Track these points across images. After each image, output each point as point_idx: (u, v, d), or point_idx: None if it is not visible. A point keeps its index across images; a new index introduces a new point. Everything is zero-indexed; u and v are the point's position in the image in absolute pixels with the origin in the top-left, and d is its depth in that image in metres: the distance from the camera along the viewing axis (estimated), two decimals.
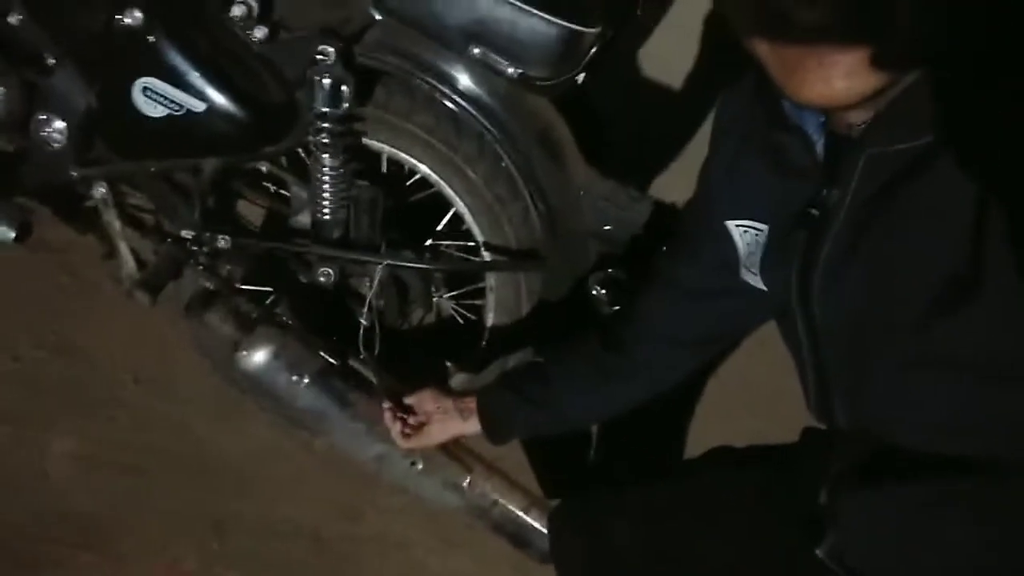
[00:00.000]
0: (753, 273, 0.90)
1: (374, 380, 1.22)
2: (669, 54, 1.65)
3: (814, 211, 0.78)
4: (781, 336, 0.93)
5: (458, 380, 1.42)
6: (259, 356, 1.17)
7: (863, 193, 0.73)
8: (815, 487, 0.89)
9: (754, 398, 1.59)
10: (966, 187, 0.65)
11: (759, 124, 0.82)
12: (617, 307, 1.20)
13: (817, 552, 0.87)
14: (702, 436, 1.60)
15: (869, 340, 0.79)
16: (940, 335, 0.72)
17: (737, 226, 0.89)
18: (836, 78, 0.65)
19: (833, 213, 0.76)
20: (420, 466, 1.20)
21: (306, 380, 1.18)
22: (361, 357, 1.23)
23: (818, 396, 0.87)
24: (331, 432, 1.21)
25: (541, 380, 1.09)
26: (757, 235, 0.87)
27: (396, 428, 1.16)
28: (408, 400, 1.18)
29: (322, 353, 1.20)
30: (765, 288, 0.89)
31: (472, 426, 1.13)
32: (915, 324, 0.73)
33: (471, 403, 1.13)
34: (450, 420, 1.15)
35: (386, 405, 1.17)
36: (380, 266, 1.27)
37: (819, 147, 0.77)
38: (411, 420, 1.16)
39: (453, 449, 1.23)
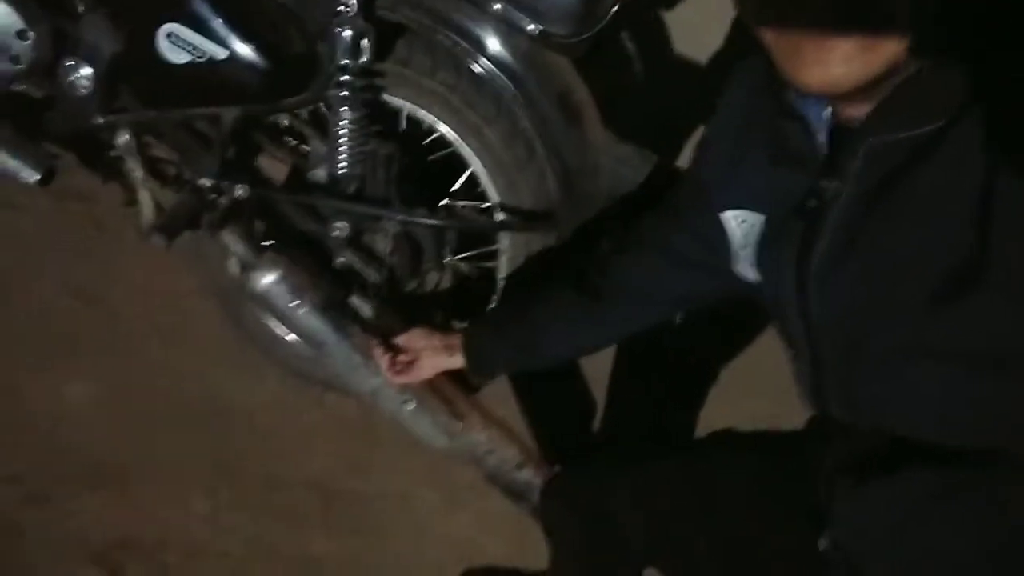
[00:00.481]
0: (747, 264, 0.90)
1: (371, 317, 1.25)
2: (693, 19, 1.64)
3: (813, 202, 0.77)
4: (774, 325, 0.93)
5: None
6: (266, 277, 1.20)
7: (863, 184, 0.73)
8: (815, 476, 0.89)
9: (765, 380, 1.59)
10: (969, 176, 0.65)
11: (764, 112, 0.82)
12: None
13: (819, 543, 0.88)
14: (712, 417, 1.60)
15: (866, 331, 0.78)
16: (939, 325, 0.72)
17: (734, 216, 0.89)
18: (834, 63, 0.66)
19: (832, 204, 0.75)
20: (412, 405, 1.23)
21: (307, 307, 1.21)
22: (365, 296, 1.26)
23: (812, 386, 0.87)
24: (328, 362, 1.24)
25: (520, 320, 1.15)
26: (753, 226, 0.87)
27: (384, 362, 1.20)
28: (399, 338, 1.22)
29: (323, 287, 1.23)
30: (758, 279, 0.89)
31: (458, 361, 1.18)
32: (914, 315, 0.73)
33: (457, 339, 1.18)
34: (438, 355, 1.20)
35: (375, 341, 1.22)
36: (393, 222, 1.28)
37: (821, 138, 0.77)
38: (400, 357, 1.20)
39: (452, 395, 1.25)
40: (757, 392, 1.53)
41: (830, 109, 0.75)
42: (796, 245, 0.80)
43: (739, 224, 0.89)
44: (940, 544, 0.80)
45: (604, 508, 1.03)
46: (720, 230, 0.91)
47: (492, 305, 1.40)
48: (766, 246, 0.87)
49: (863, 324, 0.78)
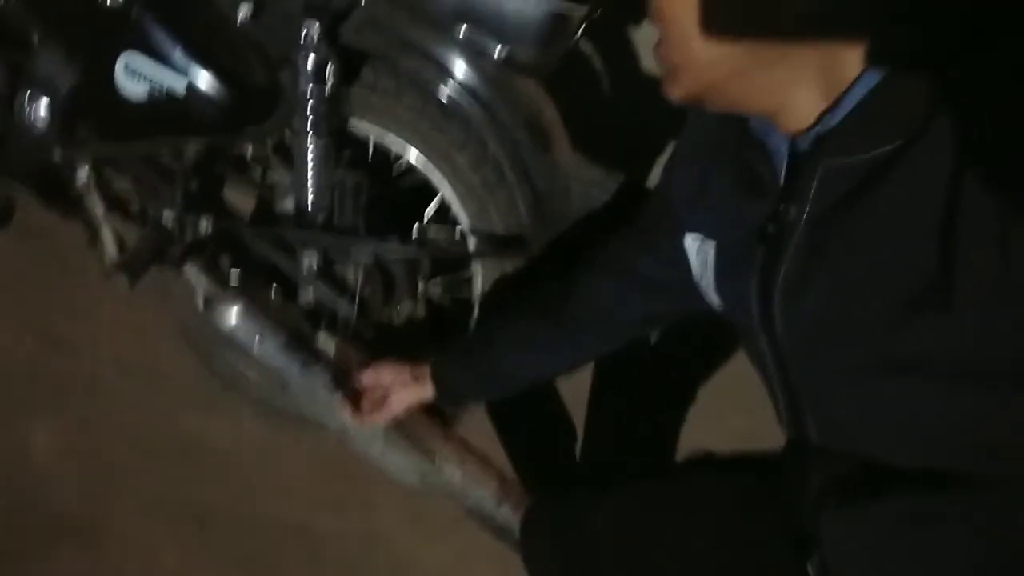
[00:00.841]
0: (710, 290, 0.89)
1: (340, 352, 1.23)
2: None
3: (772, 227, 0.76)
4: (746, 354, 0.91)
5: None
6: (229, 314, 1.18)
7: (820, 206, 0.72)
8: (799, 500, 0.88)
9: (745, 397, 1.57)
10: (930, 193, 0.63)
11: (729, 138, 0.81)
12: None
13: (808, 568, 0.86)
14: (693, 435, 1.57)
15: (834, 355, 0.77)
16: (906, 346, 0.71)
17: (691, 241, 0.89)
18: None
19: (790, 229, 0.74)
20: (380, 444, 1.21)
21: (271, 344, 1.19)
22: (330, 333, 1.24)
23: (788, 412, 0.86)
24: (294, 400, 1.21)
25: (486, 347, 1.14)
26: (708, 252, 0.86)
27: (346, 412, 1.18)
28: (366, 375, 1.19)
29: (289, 323, 1.20)
30: (721, 306, 0.88)
31: (429, 391, 1.16)
32: (880, 336, 0.72)
33: (426, 369, 1.16)
34: (408, 388, 1.17)
35: (337, 393, 1.19)
36: (363, 252, 1.25)
37: (781, 163, 0.76)
38: (369, 396, 1.18)
39: (425, 431, 1.22)
40: (737, 409, 1.51)
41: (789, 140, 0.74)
42: (758, 271, 0.79)
43: (696, 250, 0.88)
44: (927, 568, 0.79)
45: (582, 538, 1.00)
46: (686, 258, 0.90)
47: (467, 330, 1.38)
48: (725, 273, 0.86)
49: (831, 346, 0.77)
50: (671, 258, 0.93)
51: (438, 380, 1.15)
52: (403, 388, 1.17)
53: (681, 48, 0.69)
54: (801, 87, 0.68)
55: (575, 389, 1.59)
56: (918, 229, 0.65)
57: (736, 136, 0.79)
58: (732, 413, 1.51)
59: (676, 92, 0.72)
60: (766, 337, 0.81)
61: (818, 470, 0.86)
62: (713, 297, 0.89)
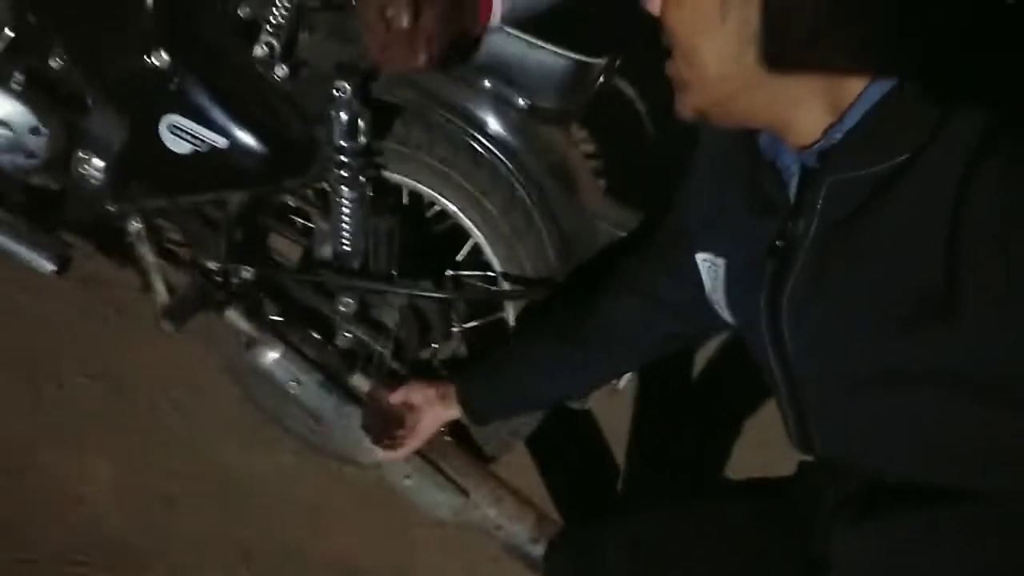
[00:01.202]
0: (722, 307, 0.90)
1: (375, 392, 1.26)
2: None
3: (781, 242, 0.78)
4: (757, 371, 0.92)
5: None
6: (268, 355, 1.22)
7: (827, 221, 0.73)
8: (811, 523, 0.88)
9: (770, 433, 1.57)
10: (936, 206, 0.64)
11: (741, 161, 0.83)
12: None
13: None
14: (736, 466, 1.57)
15: (841, 367, 0.78)
16: (911, 358, 0.71)
17: (703, 259, 0.90)
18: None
19: (799, 243, 0.75)
20: (412, 480, 1.23)
21: (308, 383, 1.22)
22: (365, 374, 1.28)
23: (798, 427, 0.87)
24: (331, 437, 1.25)
25: (509, 368, 1.16)
26: (718, 269, 0.88)
27: (378, 447, 1.20)
28: (395, 394, 1.21)
29: (326, 364, 1.24)
30: (733, 322, 0.90)
31: (455, 410, 1.19)
32: (885, 349, 0.73)
33: (451, 389, 1.19)
34: (435, 408, 1.19)
35: (370, 432, 1.21)
36: (398, 296, 1.29)
37: (792, 181, 0.77)
38: (399, 433, 1.20)
39: (460, 467, 1.25)
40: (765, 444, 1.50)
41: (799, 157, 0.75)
42: (767, 286, 0.80)
43: (707, 268, 0.90)
44: None
45: (600, 563, 1.02)
46: (699, 275, 0.92)
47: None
48: (736, 289, 0.87)
49: (837, 359, 0.78)
50: (689, 277, 0.95)
51: (464, 400, 1.18)
52: (430, 407, 1.19)
53: (691, 64, 0.71)
54: (807, 102, 0.69)
55: (615, 424, 1.60)
56: (923, 241, 0.66)
57: (747, 155, 0.81)
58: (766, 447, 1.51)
59: (687, 107, 0.75)
60: (774, 352, 0.82)
61: (831, 487, 0.87)
62: (726, 314, 0.90)
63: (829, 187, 0.72)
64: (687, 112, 0.75)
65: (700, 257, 0.90)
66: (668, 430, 1.65)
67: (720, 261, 0.87)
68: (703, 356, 1.78)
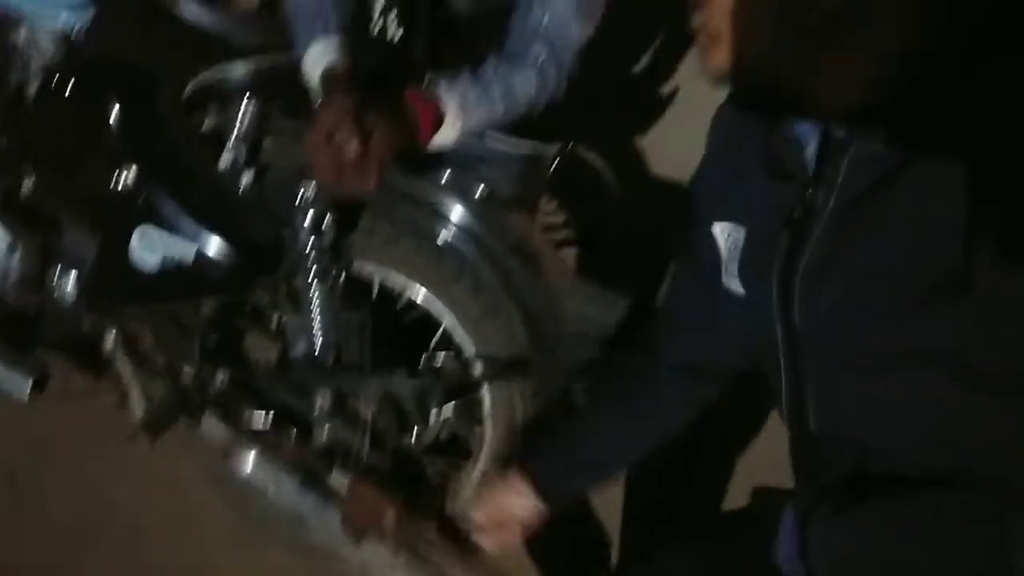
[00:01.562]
0: (732, 277, 0.89)
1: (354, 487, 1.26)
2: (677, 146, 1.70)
3: (799, 211, 0.77)
4: (757, 357, 0.91)
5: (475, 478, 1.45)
6: (244, 462, 1.22)
7: (848, 194, 0.73)
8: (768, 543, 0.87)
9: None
10: (956, 187, 0.64)
11: (756, 132, 0.83)
12: None
13: None
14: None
15: (849, 343, 0.77)
16: (921, 339, 0.71)
17: (721, 229, 0.89)
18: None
19: (817, 214, 0.75)
20: (399, 573, 1.22)
21: (286, 487, 1.23)
22: (344, 470, 1.28)
23: (791, 401, 0.85)
24: (314, 538, 1.24)
25: (585, 442, 1.08)
26: (737, 239, 0.87)
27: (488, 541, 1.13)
28: (485, 510, 1.13)
29: (304, 464, 1.25)
30: (740, 292, 0.88)
31: (530, 501, 1.09)
32: (896, 328, 0.72)
33: (518, 480, 1.10)
34: (522, 499, 1.09)
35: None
36: (372, 387, 1.31)
37: (810, 150, 0.77)
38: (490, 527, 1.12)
39: (447, 558, 1.24)
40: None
41: (821, 127, 0.75)
42: (782, 254, 0.79)
43: (725, 238, 0.89)
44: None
45: None
46: (715, 250, 0.91)
47: (486, 447, 1.41)
48: (750, 258, 0.86)
49: (846, 334, 0.77)
50: (711, 268, 0.92)
51: (540, 486, 1.09)
52: (518, 499, 1.09)
53: (723, 16, 0.70)
54: (832, 74, 0.69)
55: (607, 500, 1.59)
56: (942, 222, 0.66)
57: (762, 125, 0.81)
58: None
59: (716, 60, 0.73)
60: (782, 324, 0.81)
61: (817, 476, 0.85)
62: (735, 284, 0.89)
63: (852, 159, 0.72)
64: (716, 65, 0.73)
65: (719, 227, 0.89)
66: (665, 503, 1.64)
67: (741, 231, 0.86)
68: None
